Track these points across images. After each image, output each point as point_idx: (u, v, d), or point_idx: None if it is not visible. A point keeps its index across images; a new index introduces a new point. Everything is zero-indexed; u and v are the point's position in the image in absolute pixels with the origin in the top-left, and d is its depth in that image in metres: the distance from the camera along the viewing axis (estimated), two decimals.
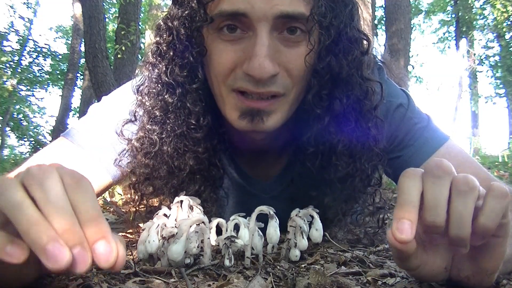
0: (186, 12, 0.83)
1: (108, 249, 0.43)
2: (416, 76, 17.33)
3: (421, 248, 0.54)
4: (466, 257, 0.54)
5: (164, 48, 0.87)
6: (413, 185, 0.51)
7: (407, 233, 0.48)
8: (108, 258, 0.43)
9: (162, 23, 0.88)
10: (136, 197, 0.96)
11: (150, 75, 0.90)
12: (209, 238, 0.69)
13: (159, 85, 0.89)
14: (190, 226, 0.67)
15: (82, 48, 9.34)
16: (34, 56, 19.02)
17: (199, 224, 0.69)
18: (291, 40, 0.79)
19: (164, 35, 0.87)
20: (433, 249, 0.54)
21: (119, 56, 5.75)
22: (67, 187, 0.45)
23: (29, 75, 19.11)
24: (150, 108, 0.89)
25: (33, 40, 19.13)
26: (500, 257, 0.53)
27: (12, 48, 18.13)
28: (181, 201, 0.81)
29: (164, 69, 0.87)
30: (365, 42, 0.86)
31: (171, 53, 0.86)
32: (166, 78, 0.87)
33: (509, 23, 14.53)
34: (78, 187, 0.45)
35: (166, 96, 0.88)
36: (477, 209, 0.50)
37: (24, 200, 0.43)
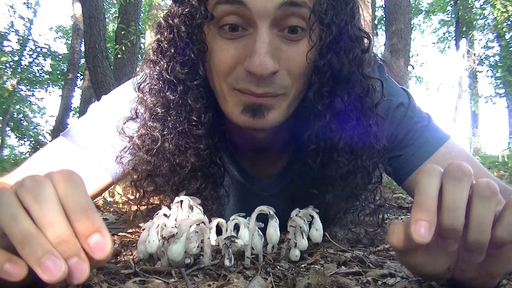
0: (187, 9, 0.83)
1: (103, 242, 0.43)
2: (416, 76, 17.34)
3: (425, 247, 0.53)
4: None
5: (165, 45, 0.87)
6: (432, 184, 0.49)
7: (425, 236, 0.47)
8: (103, 251, 0.43)
9: (162, 21, 0.88)
10: (138, 195, 0.96)
11: (151, 72, 0.90)
12: (209, 238, 0.69)
13: (160, 82, 0.89)
14: (190, 226, 0.67)
15: (82, 48, 9.34)
16: (34, 56, 19.03)
17: (199, 224, 0.69)
18: (292, 38, 0.79)
19: (165, 33, 0.87)
20: (437, 250, 0.54)
21: (119, 56, 5.75)
22: (59, 191, 0.45)
23: (29, 75, 19.12)
24: (151, 105, 0.89)
25: (33, 40, 19.16)
26: (508, 262, 0.52)
27: (12, 48, 18.17)
28: (181, 201, 0.81)
29: (165, 66, 0.87)
30: (365, 40, 0.86)
31: (172, 51, 0.86)
32: (167, 75, 0.87)
33: (509, 23, 14.53)
34: (68, 185, 0.45)
35: (167, 93, 0.88)
36: (495, 217, 0.49)
37: (19, 213, 0.43)
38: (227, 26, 0.79)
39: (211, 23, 0.80)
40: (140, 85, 0.93)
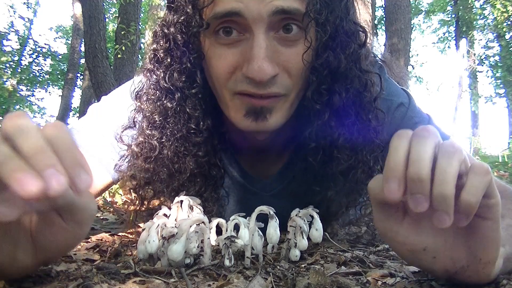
0: (182, 18, 0.83)
1: (87, 178, 0.44)
2: (416, 76, 17.36)
3: (402, 216, 0.54)
4: (459, 244, 0.53)
5: (162, 54, 0.87)
6: (401, 145, 0.51)
7: (395, 192, 0.48)
8: (86, 183, 0.44)
9: (158, 30, 0.88)
10: (137, 201, 0.96)
11: (148, 81, 0.90)
12: (209, 238, 0.69)
13: (157, 91, 0.89)
14: (190, 226, 0.67)
15: (82, 48, 9.35)
16: (34, 56, 19.04)
17: (199, 224, 0.69)
18: (288, 39, 0.79)
19: (161, 42, 0.87)
20: (415, 223, 0.54)
21: (119, 56, 5.76)
22: (47, 132, 0.45)
23: (29, 75, 19.13)
24: (149, 113, 0.89)
25: (33, 40, 19.17)
26: (493, 243, 0.52)
27: (12, 48, 18.20)
28: (181, 201, 0.81)
29: (162, 75, 0.87)
30: (361, 34, 0.86)
31: (169, 60, 0.86)
32: (165, 84, 0.87)
33: (509, 23, 14.54)
34: (55, 128, 0.46)
35: (165, 101, 0.88)
36: (460, 187, 0.49)
37: None
38: (221, 29, 0.79)
39: (206, 31, 0.80)
40: (137, 94, 0.93)
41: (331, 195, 0.90)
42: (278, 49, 0.79)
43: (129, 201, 1.10)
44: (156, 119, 0.89)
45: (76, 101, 16.55)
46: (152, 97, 0.89)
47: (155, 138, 0.89)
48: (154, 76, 0.88)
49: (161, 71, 0.87)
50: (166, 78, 0.86)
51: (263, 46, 0.76)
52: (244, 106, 0.82)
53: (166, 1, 0.90)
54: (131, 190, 0.95)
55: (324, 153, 0.88)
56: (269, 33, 0.77)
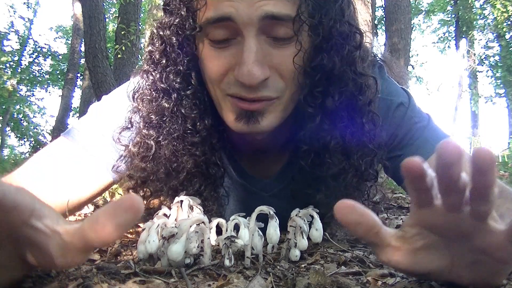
0: (177, 20, 0.83)
1: None
2: (416, 76, 17.34)
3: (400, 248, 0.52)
4: (466, 265, 0.52)
5: (157, 56, 0.88)
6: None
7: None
8: None
9: (154, 31, 0.89)
10: None
11: (145, 81, 0.91)
12: (209, 238, 0.69)
13: (154, 92, 0.89)
14: (190, 226, 0.67)
15: (82, 48, 9.34)
16: (34, 56, 19.05)
17: (199, 224, 0.69)
18: (281, 42, 0.79)
19: (157, 44, 0.88)
20: (412, 254, 0.52)
21: (119, 56, 5.76)
22: None
23: (29, 75, 19.14)
24: (145, 114, 0.90)
25: (33, 40, 19.19)
26: (499, 265, 0.51)
27: (12, 48, 18.22)
28: (181, 201, 0.81)
29: (158, 76, 0.88)
30: (357, 36, 0.85)
31: (164, 61, 0.87)
32: (161, 84, 0.88)
33: (509, 23, 14.54)
34: None
35: (161, 102, 0.88)
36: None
37: None
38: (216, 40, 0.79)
39: (200, 33, 0.81)
40: (134, 95, 0.93)
41: (320, 198, 0.89)
42: (270, 51, 0.78)
43: None
44: (153, 118, 0.89)
45: (76, 101, 16.56)
46: (149, 97, 0.90)
47: (152, 137, 0.89)
48: (151, 77, 0.89)
49: (157, 72, 0.88)
50: (162, 79, 0.87)
51: (253, 50, 0.76)
52: (234, 109, 0.82)
53: (162, 3, 0.90)
54: (130, 190, 0.95)
55: (315, 156, 0.88)
56: (260, 36, 0.77)
